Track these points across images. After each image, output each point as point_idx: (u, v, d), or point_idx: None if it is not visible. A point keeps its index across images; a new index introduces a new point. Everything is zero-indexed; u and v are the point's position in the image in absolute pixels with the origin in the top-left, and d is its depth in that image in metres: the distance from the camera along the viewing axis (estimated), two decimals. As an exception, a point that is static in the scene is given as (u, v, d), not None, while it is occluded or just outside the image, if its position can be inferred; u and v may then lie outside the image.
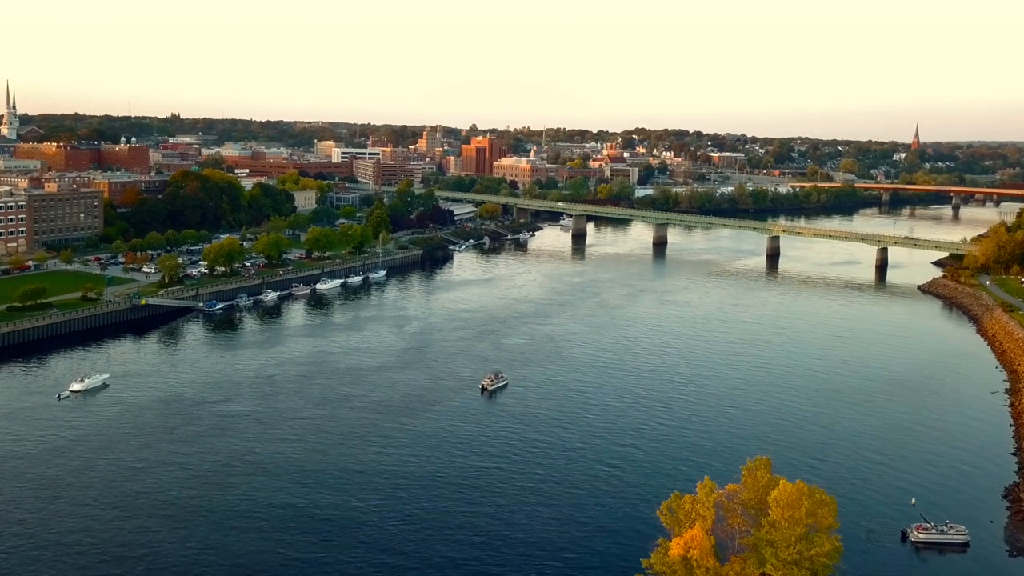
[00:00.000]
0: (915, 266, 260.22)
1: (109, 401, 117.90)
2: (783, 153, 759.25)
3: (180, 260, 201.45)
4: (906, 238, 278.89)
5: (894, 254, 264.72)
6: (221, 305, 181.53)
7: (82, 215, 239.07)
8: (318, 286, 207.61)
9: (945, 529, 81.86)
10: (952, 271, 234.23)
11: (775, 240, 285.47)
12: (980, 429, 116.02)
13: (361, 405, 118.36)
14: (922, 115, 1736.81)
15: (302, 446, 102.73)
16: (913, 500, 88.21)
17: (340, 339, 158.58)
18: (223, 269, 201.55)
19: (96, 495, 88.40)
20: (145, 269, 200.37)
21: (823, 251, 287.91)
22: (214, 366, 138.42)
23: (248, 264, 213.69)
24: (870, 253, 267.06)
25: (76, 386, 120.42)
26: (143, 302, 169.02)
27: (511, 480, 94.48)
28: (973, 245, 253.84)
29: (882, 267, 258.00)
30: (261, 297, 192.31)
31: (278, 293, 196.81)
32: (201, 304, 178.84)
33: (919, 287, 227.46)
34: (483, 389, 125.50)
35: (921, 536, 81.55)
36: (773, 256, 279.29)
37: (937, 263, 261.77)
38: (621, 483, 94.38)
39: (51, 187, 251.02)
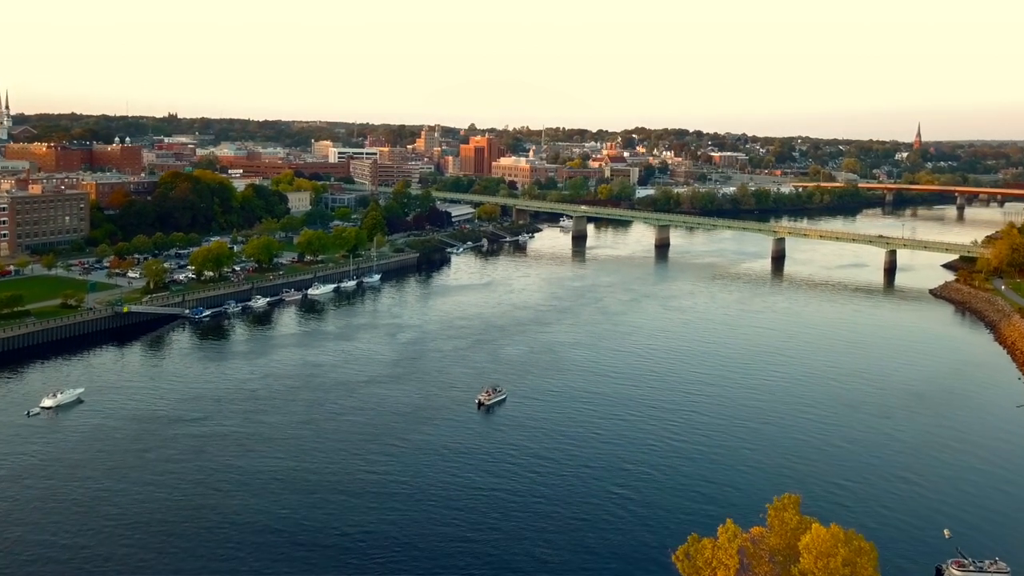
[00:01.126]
0: (924, 268, 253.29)
1: (82, 418, 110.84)
2: (784, 153, 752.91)
3: (167, 265, 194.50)
4: (915, 240, 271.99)
5: (902, 256, 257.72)
6: (208, 312, 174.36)
7: (67, 218, 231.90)
8: (310, 291, 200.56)
9: (984, 566, 74.28)
10: (964, 274, 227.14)
11: (780, 242, 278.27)
12: (1010, 447, 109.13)
13: (350, 421, 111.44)
14: (924, 114, 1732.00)
15: (286, 466, 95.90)
16: (946, 531, 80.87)
17: (331, 349, 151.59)
18: (211, 274, 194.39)
19: (62, 521, 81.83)
20: (130, 274, 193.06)
21: (829, 253, 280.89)
22: (197, 378, 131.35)
23: (237, 269, 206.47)
24: (877, 255, 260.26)
25: (47, 402, 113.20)
26: (126, 309, 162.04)
27: (511, 504, 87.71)
28: (985, 247, 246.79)
29: (891, 270, 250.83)
30: (250, 303, 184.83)
31: (268, 299, 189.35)
32: (187, 311, 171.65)
33: (930, 291, 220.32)
34: (480, 404, 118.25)
35: (958, 574, 74.32)
36: (778, 259, 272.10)
37: (947, 266, 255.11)
38: (633, 506, 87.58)
39: (35, 188, 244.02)
